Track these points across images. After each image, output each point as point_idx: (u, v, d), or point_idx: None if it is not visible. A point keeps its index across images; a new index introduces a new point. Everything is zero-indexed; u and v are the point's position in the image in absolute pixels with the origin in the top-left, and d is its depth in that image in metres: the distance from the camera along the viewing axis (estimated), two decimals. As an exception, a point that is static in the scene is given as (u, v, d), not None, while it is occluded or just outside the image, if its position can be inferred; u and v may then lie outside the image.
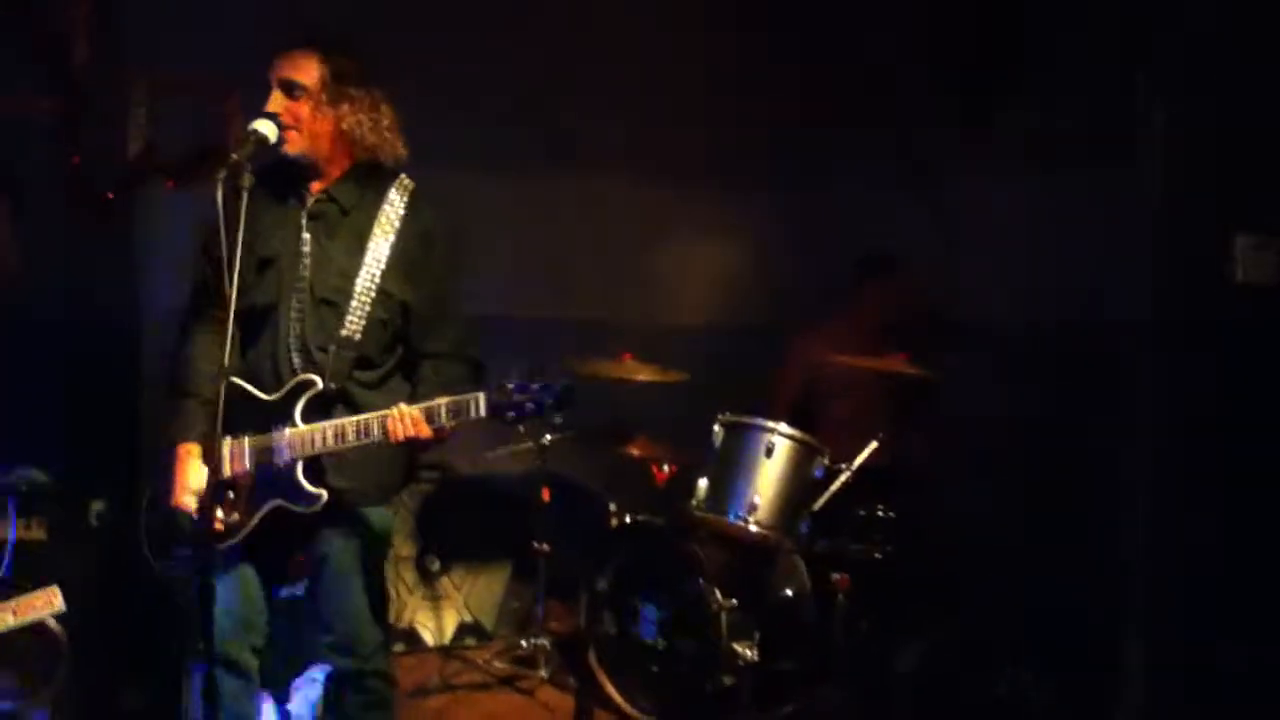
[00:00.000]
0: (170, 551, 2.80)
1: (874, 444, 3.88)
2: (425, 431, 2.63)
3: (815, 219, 4.91)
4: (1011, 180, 4.44)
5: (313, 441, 2.70)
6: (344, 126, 2.78)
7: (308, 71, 2.75)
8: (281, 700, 3.72)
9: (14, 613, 3.57)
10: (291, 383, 2.75)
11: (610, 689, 3.89)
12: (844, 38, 4.65)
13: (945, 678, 3.90)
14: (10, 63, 4.15)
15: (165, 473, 2.77)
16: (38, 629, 3.60)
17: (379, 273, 2.78)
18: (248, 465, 2.73)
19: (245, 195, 2.50)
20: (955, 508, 4.14)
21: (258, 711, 3.03)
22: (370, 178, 2.85)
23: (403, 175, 2.89)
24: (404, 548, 4.56)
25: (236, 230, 2.44)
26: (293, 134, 2.74)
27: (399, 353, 2.88)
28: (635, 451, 4.31)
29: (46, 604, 3.58)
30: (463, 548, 4.63)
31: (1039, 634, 4.00)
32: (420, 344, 2.87)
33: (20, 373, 3.88)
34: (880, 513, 3.96)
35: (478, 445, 4.53)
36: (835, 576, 3.78)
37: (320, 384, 2.74)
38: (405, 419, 2.63)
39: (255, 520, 2.74)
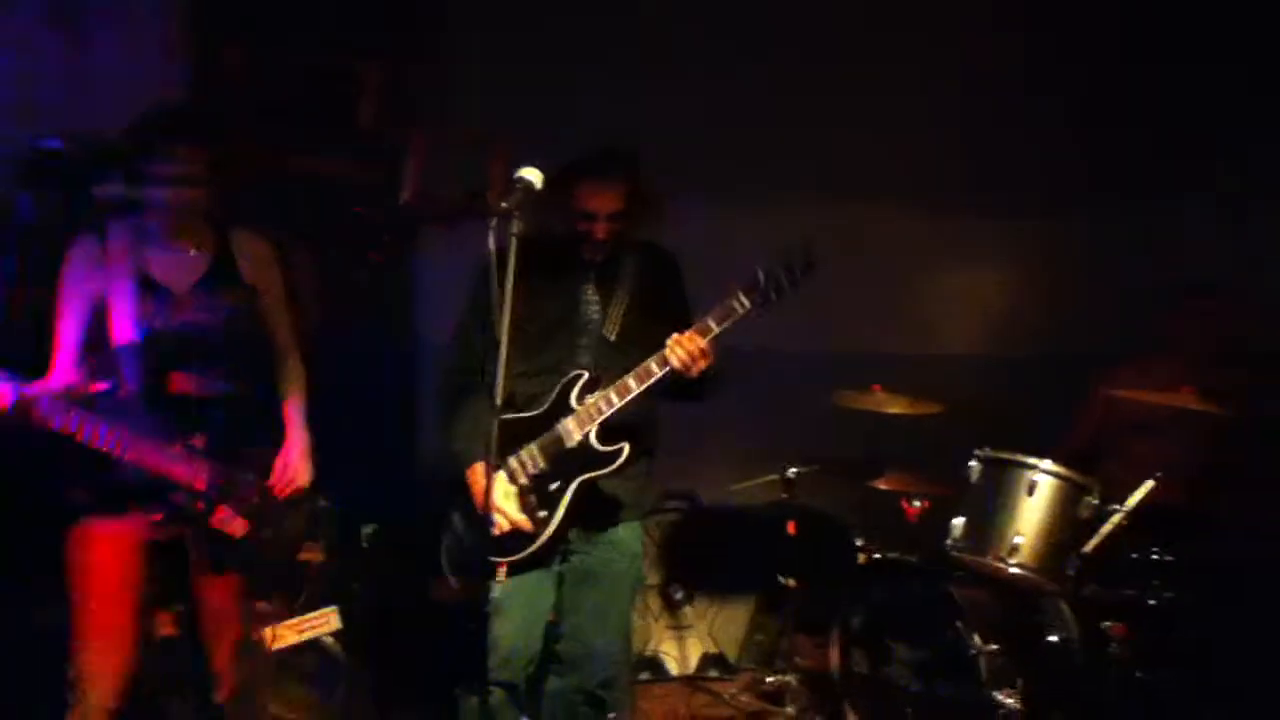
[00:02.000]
0: (471, 567, 2.99)
1: (1149, 484, 3.60)
2: (704, 345, 2.78)
3: (1084, 246, 4.68)
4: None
5: (597, 409, 2.89)
6: None
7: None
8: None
9: (297, 630, 3.82)
10: (559, 384, 2.96)
11: (860, 730, 3.78)
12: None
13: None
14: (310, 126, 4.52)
15: (463, 494, 2.98)
16: (318, 647, 3.83)
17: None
18: (541, 464, 2.93)
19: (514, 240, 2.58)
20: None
21: None
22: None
23: None
24: (650, 576, 4.59)
25: (507, 274, 2.53)
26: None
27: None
28: (885, 486, 4.19)
29: (325, 623, 3.81)
30: (707, 578, 4.62)
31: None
32: None
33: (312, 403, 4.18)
34: (1157, 556, 3.67)
35: (724, 477, 4.53)
36: (1108, 624, 3.53)
37: (586, 374, 2.94)
38: (682, 343, 2.78)
39: (564, 507, 2.91)
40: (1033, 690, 3.50)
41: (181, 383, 2.80)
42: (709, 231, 3.17)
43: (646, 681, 4.45)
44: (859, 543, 4.08)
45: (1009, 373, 4.70)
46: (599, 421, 2.90)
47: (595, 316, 3.04)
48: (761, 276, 2.75)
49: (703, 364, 2.80)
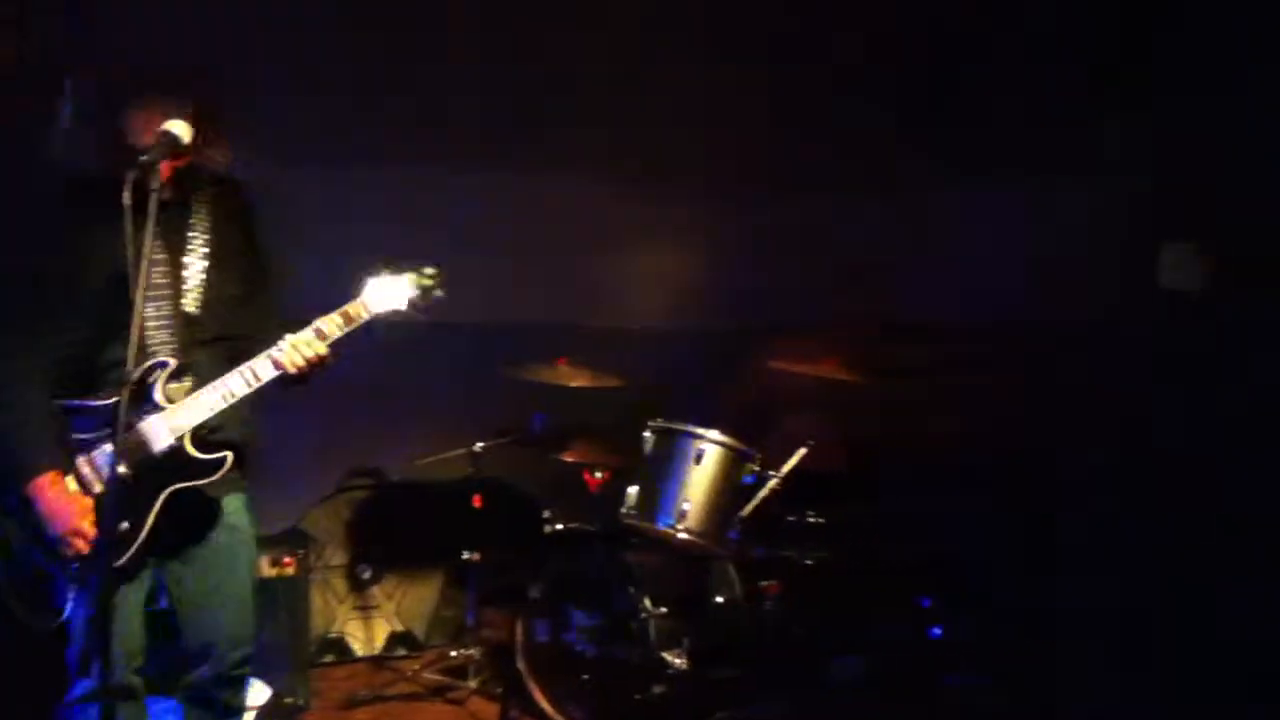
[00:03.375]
0: (46, 601, 2.61)
1: (802, 450, 3.84)
2: (323, 350, 2.65)
3: (771, 224, 4.88)
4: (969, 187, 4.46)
5: (194, 412, 2.61)
6: None
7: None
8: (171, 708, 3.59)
9: None
10: (138, 371, 2.59)
11: (539, 697, 3.83)
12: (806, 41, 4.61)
13: (885, 686, 3.88)
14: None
15: (24, 515, 2.58)
16: None
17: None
18: (123, 468, 2.43)
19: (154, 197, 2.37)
20: (904, 513, 4.12)
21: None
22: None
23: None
24: (335, 556, 4.49)
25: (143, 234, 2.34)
26: None
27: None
28: (569, 457, 4.26)
29: None
30: (395, 556, 4.57)
31: (986, 638, 4.00)
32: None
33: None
34: (811, 519, 3.92)
35: (410, 452, 4.47)
36: (765, 583, 3.75)
37: (173, 362, 2.63)
38: (300, 349, 2.62)
39: (152, 516, 2.60)
40: (698, 648, 3.68)
41: None
42: (331, 198, 3.02)
43: (330, 664, 4.37)
44: (545, 514, 4.14)
45: (689, 346, 4.86)
46: (195, 427, 2.62)
47: (163, 280, 2.66)
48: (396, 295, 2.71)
49: (319, 370, 2.66)
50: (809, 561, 3.87)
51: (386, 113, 4.36)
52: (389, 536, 4.56)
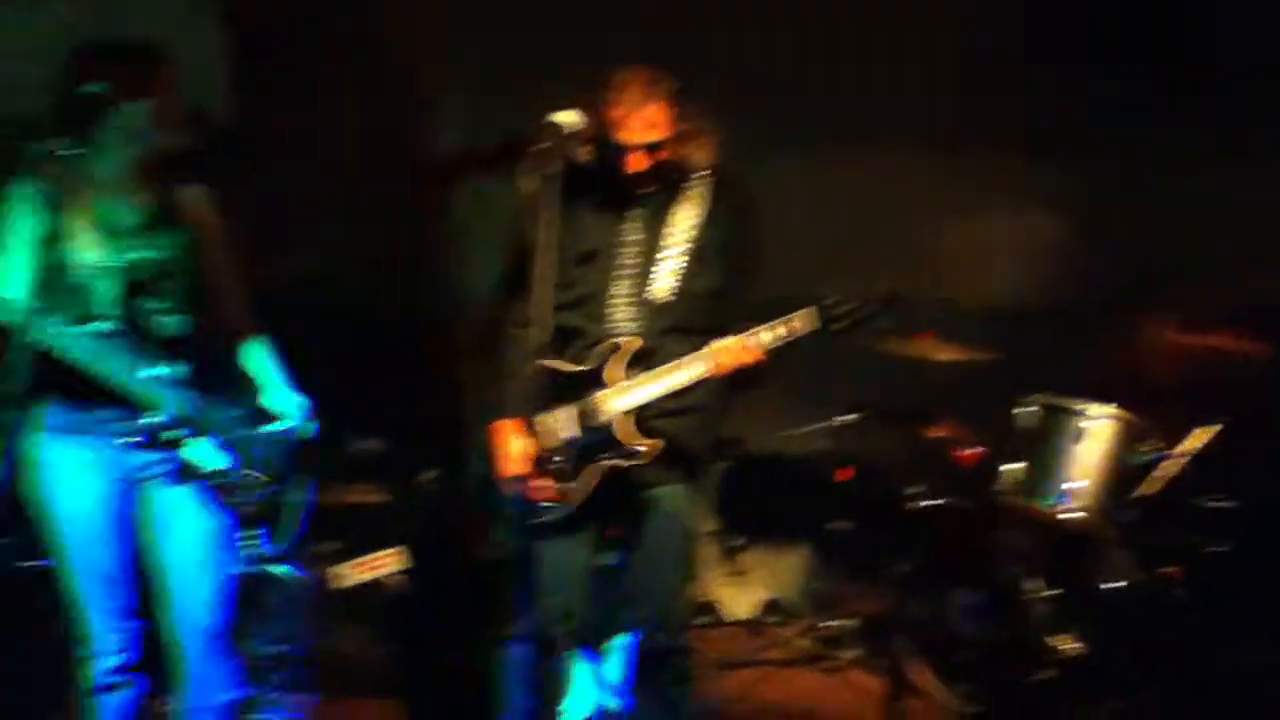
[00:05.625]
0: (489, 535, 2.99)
1: (1204, 430, 3.63)
2: (754, 355, 2.71)
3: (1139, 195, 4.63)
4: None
5: (635, 393, 2.78)
6: None
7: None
8: (595, 662, 3.91)
9: (360, 570, 3.94)
10: (603, 347, 2.83)
11: (921, 674, 3.87)
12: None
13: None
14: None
15: (485, 452, 2.89)
16: (381, 587, 3.95)
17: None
18: (573, 431, 2.80)
19: (555, 183, 2.56)
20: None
21: (569, 679, 3.19)
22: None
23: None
24: (704, 524, 4.68)
25: (544, 219, 2.53)
26: None
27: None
28: (936, 433, 4.23)
29: (389, 563, 3.93)
30: (763, 526, 4.70)
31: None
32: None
33: (360, 354, 4.22)
34: (1219, 503, 3.70)
35: (777, 424, 4.58)
36: (1165, 569, 3.59)
37: (630, 343, 2.82)
38: (732, 349, 2.71)
39: (591, 483, 2.82)
40: (1088, 635, 3.58)
41: (148, 316, 2.79)
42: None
43: (704, 626, 4.57)
44: (910, 490, 4.14)
45: (1057, 320, 4.69)
46: (632, 409, 2.79)
47: (635, 263, 2.88)
48: (836, 309, 2.70)
49: (757, 374, 2.75)
50: (1216, 549, 3.66)
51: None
52: (754, 507, 4.70)
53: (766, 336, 2.73)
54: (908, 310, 2.79)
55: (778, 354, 2.75)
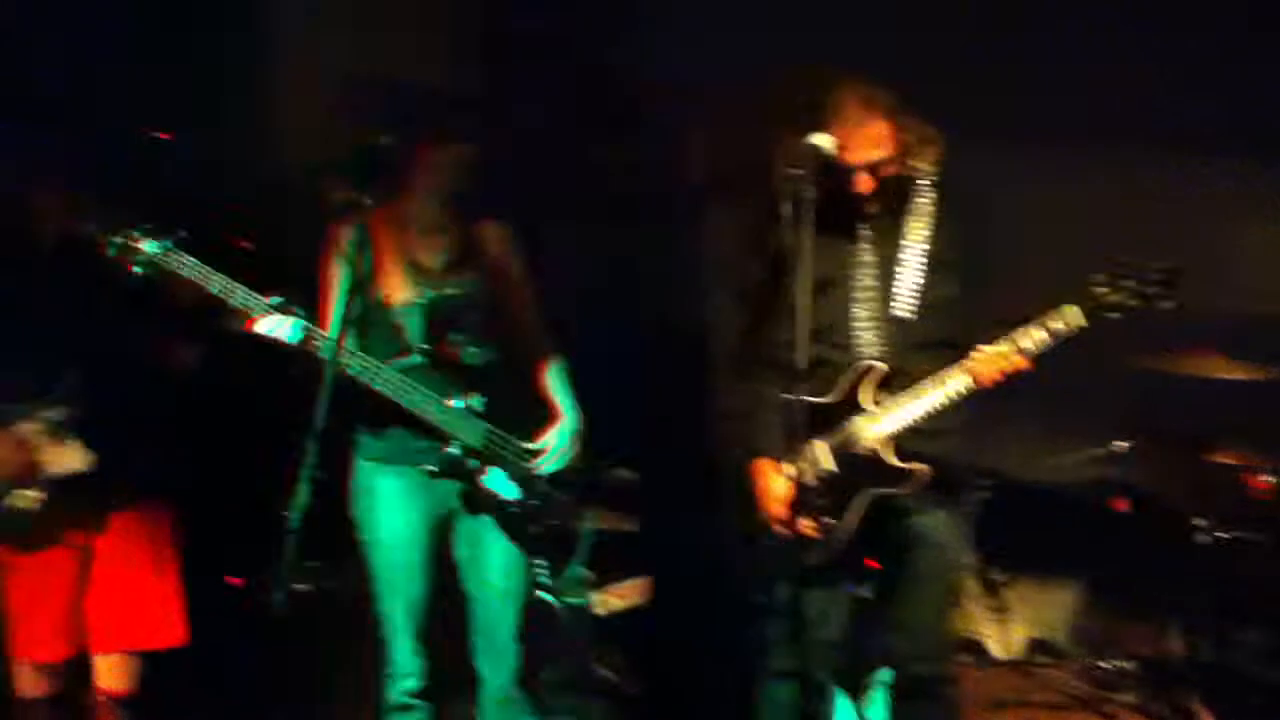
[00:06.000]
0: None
1: None
2: (1017, 363, 2.56)
3: None
4: None
5: (893, 416, 2.69)
6: None
7: None
8: (854, 700, 3.79)
9: (619, 597, 4.00)
10: (851, 374, 2.76)
11: (1210, 722, 3.53)
12: None
13: None
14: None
15: (746, 493, 2.86)
16: (632, 615, 4.00)
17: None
18: (831, 464, 2.74)
19: (805, 208, 2.50)
20: None
21: (833, 718, 3.11)
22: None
23: None
24: (966, 553, 4.47)
25: (800, 243, 2.48)
26: None
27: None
28: (1224, 459, 3.87)
29: (639, 593, 3.97)
30: (1026, 560, 4.43)
31: None
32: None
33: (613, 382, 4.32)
34: None
35: (1039, 450, 4.33)
36: None
37: (880, 365, 2.73)
38: (994, 357, 2.57)
39: (855, 518, 2.74)
40: None
41: (450, 349, 2.92)
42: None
43: (967, 665, 4.35)
44: (1198, 521, 3.80)
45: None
46: (892, 434, 2.70)
47: (874, 284, 2.80)
48: (1105, 297, 2.50)
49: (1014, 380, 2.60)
50: None
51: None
52: (1019, 539, 4.44)
53: (1028, 341, 2.57)
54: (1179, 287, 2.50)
55: (1039, 360, 2.58)
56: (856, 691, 3.73)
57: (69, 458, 2.94)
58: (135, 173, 3.36)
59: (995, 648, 4.41)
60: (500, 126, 3.08)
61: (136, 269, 2.70)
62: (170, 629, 3.14)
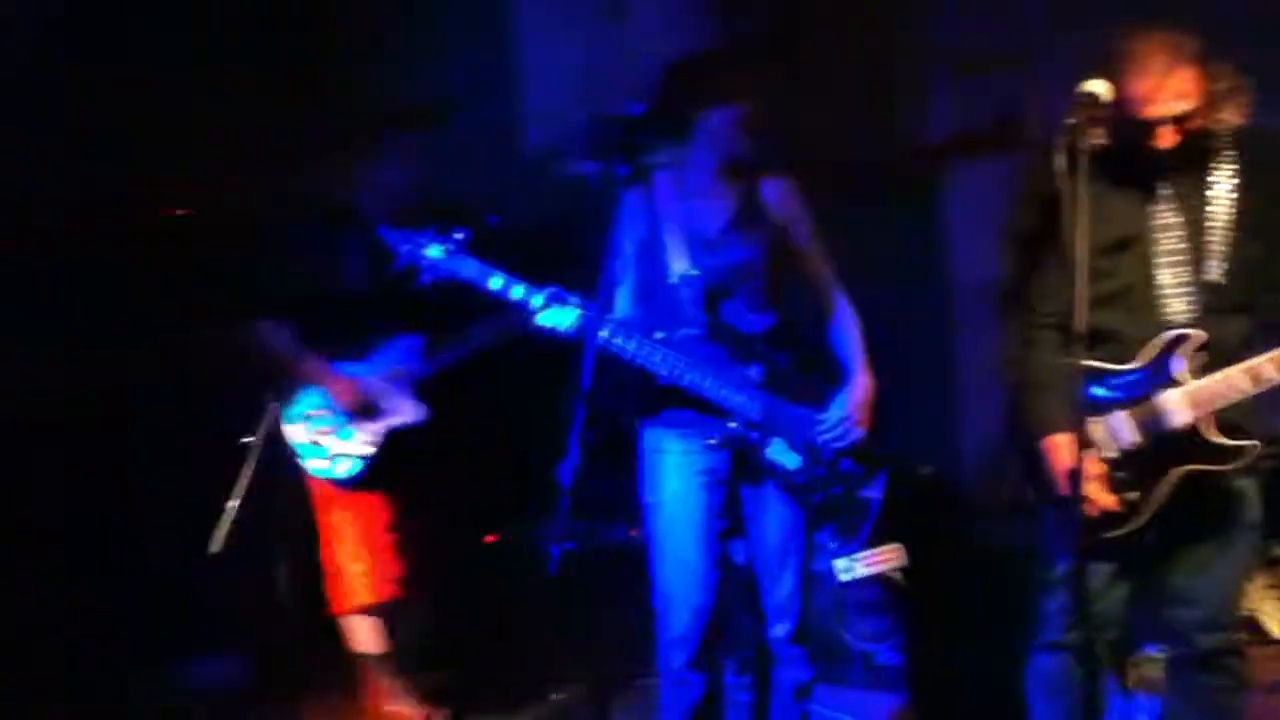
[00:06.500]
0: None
1: None
2: None
3: None
4: None
5: (1218, 394, 2.55)
6: None
7: None
8: (1119, 676, 3.64)
9: (865, 564, 3.97)
10: (1159, 341, 2.61)
11: None
12: None
13: None
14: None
15: (1039, 470, 2.74)
16: (884, 581, 3.97)
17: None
18: (1134, 437, 2.62)
19: (1089, 161, 2.38)
20: None
21: (1107, 696, 3.00)
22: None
23: None
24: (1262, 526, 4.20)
25: (1079, 196, 2.36)
26: None
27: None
28: None
29: (893, 558, 3.94)
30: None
31: None
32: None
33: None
34: None
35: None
36: None
37: (1196, 334, 2.58)
38: None
39: (1164, 493, 2.63)
40: None
41: (731, 318, 2.91)
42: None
43: (1245, 643, 4.11)
44: None
45: None
46: (1219, 408, 2.56)
47: (1181, 246, 2.64)
48: None
49: None
50: None
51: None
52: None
53: None
54: None
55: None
56: (1120, 668, 3.60)
57: (403, 412, 3.24)
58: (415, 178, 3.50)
59: (1274, 626, 4.16)
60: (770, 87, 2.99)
61: (424, 277, 2.82)
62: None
